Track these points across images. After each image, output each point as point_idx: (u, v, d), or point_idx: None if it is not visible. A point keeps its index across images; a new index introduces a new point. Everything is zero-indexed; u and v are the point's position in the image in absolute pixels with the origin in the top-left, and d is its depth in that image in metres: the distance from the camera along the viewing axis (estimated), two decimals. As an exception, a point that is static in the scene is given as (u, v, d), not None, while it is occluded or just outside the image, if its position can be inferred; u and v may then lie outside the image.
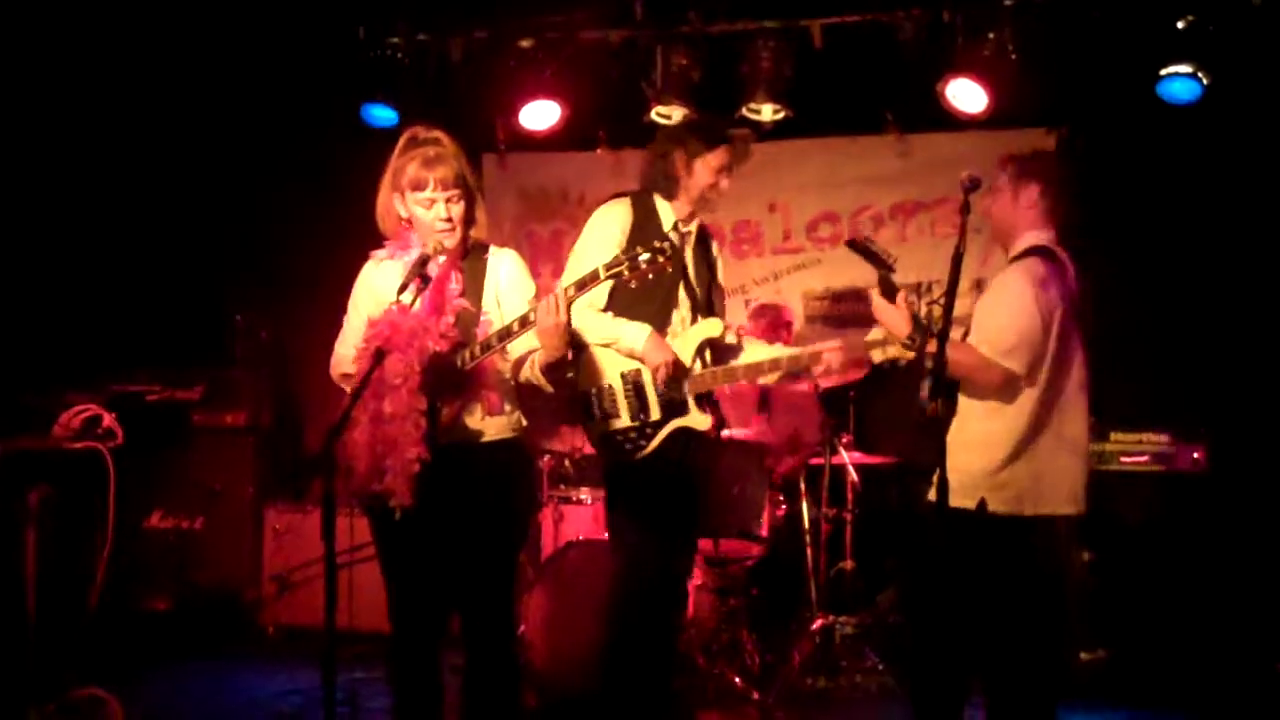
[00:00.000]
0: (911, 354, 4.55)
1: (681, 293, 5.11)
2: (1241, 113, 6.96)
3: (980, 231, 6.19)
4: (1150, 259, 7.26)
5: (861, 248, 4.87)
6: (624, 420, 4.85)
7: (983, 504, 4.45)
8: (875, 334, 4.73)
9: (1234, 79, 6.76)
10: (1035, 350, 4.49)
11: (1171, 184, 7.24)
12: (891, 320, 4.56)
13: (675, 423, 4.84)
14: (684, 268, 5.11)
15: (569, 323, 4.01)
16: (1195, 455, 6.59)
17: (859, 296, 8.06)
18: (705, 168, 5.25)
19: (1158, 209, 7.27)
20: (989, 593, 4.47)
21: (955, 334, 4.49)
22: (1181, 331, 7.16)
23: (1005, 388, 4.51)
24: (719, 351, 5.08)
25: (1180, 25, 6.65)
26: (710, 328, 5.01)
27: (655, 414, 4.84)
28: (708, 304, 5.23)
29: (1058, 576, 4.65)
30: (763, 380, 5.14)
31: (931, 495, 4.31)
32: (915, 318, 4.51)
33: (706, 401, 4.92)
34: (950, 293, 4.11)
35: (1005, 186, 4.75)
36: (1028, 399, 4.52)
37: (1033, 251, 4.65)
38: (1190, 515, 6.51)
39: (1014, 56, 6.82)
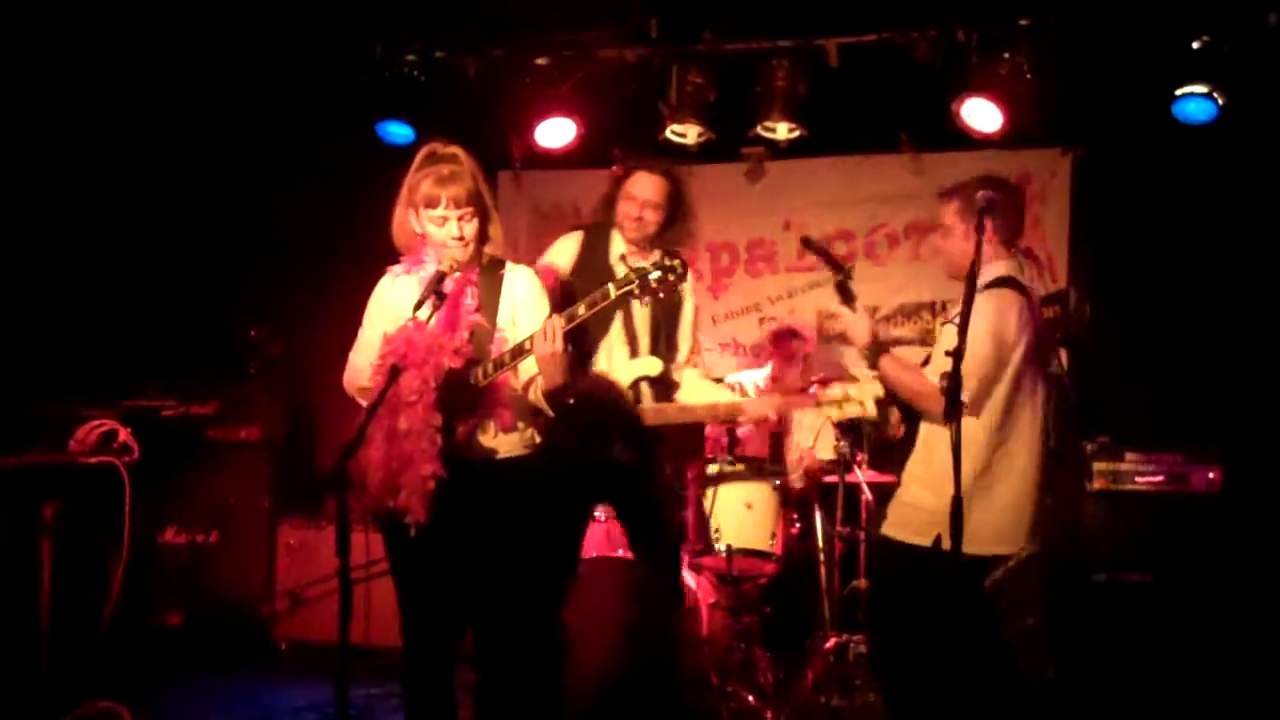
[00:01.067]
0: (870, 414, 4.55)
1: (617, 325, 5.12)
2: (1257, 133, 6.95)
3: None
4: (1165, 278, 7.25)
5: (817, 248, 4.92)
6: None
7: (937, 541, 4.37)
8: (834, 391, 4.72)
9: (1250, 99, 6.76)
10: (985, 383, 4.44)
11: (1187, 204, 7.23)
12: (854, 327, 4.64)
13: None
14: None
15: (565, 350, 4.03)
16: (1210, 475, 6.57)
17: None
18: (625, 196, 5.18)
19: (1173, 229, 7.26)
20: (938, 627, 4.42)
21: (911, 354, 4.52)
22: (1196, 351, 7.14)
23: (933, 410, 4.43)
24: (662, 388, 5.11)
25: (1196, 45, 6.65)
26: (646, 366, 5.04)
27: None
28: (655, 340, 5.24)
29: (1010, 613, 4.62)
30: (703, 420, 5.13)
31: (886, 529, 4.35)
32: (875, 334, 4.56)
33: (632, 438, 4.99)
34: (965, 312, 4.10)
35: (955, 224, 4.72)
36: (982, 435, 4.47)
37: (1000, 283, 4.59)
38: (1203, 536, 6.49)
39: (1029, 76, 6.83)
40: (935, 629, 4.40)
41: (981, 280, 4.49)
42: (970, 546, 4.22)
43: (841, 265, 4.87)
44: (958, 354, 4.00)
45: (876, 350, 4.61)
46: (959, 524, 3.88)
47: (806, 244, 4.98)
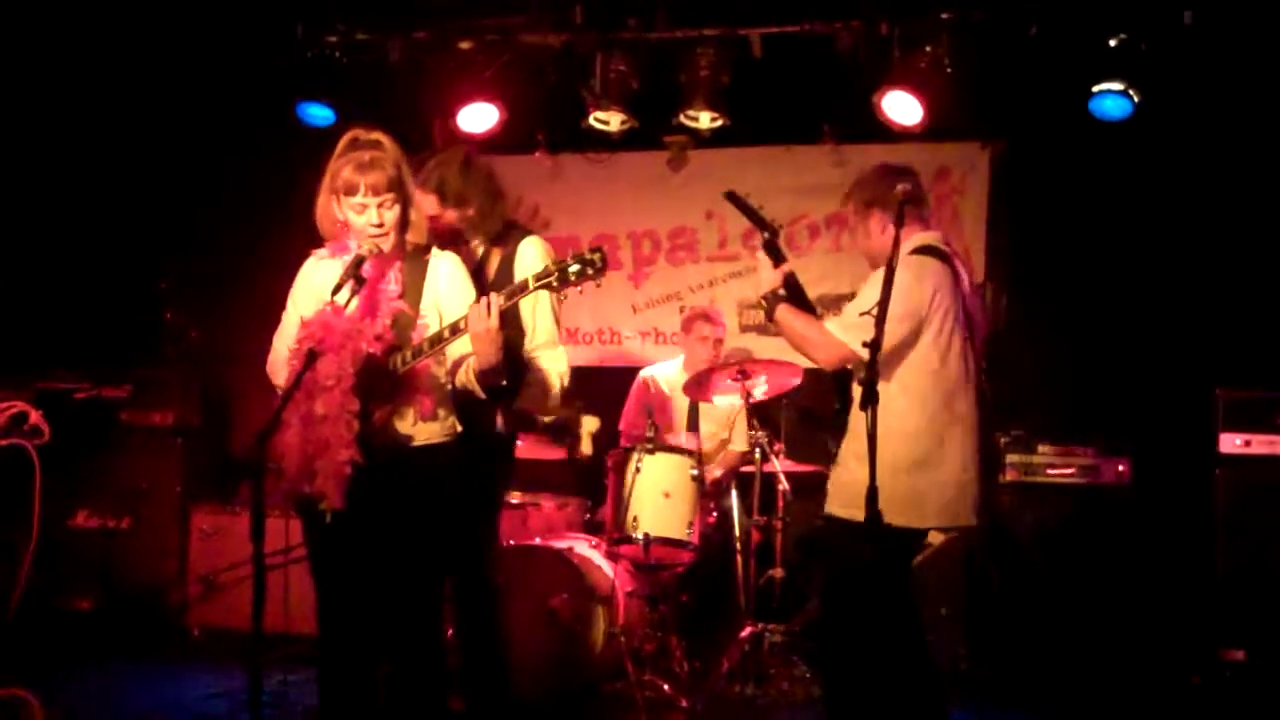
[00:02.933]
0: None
1: None
2: (1171, 130, 7.06)
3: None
4: (1080, 273, 7.34)
5: (742, 204, 4.94)
6: None
7: (878, 516, 4.21)
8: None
9: (1165, 97, 6.86)
10: (889, 337, 4.28)
11: (1102, 199, 7.33)
12: (765, 273, 4.70)
13: None
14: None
15: (500, 328, 4.01)
16: (1120, 468, 6.68)
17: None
18: None
19: (1089, 224, 7.35)
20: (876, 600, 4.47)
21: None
22: (1109, 345, 7.24)
23: (836, 361, 4.55)
24: None
25: (1112, 43, 6.74)
26: None
27: None
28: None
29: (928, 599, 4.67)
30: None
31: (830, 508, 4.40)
32: (787, 287, 4.65)
33: None
34: (884, 303, 4.13)
35: (855, 224, 4.85)
36: (918, 407, 4.51)
37: (917, 250, 4.61)
38: (1113, 528, 6.60)
39: (949, 70, 6.89)
40: (873, 606, 4.44)
41: (908, 248, 4.55)
42: (917, 520, 4.44)
43: (768, 224, 4.88)
44: (874, 345, 4.03)
45: (774, 300, 4.65)
46: (874, 505, 3.91)
47: (731, 198, 4.97)
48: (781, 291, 4.69)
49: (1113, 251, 7.31)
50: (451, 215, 4.91)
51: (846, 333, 4.44)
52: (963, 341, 4.59)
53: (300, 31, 7.45)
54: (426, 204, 4.70)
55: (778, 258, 4.76)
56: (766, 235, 4.84)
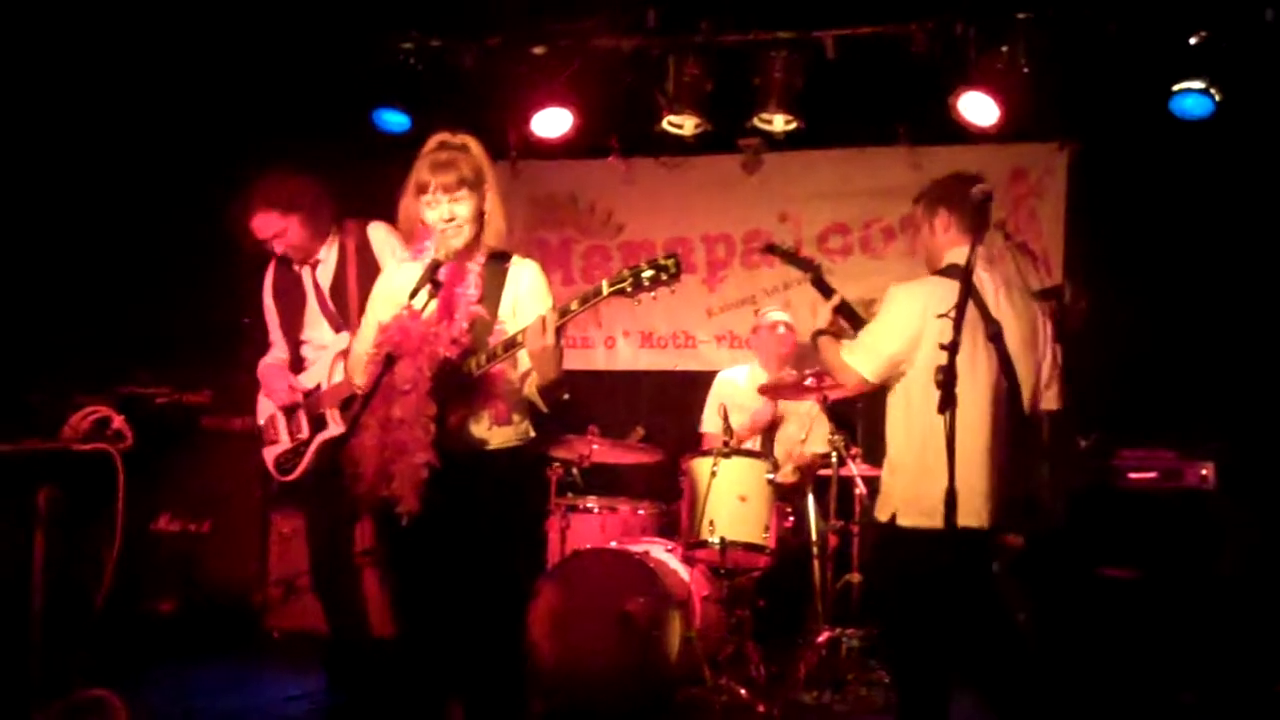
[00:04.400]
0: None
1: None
2: (1253, 129, 6.95)
3: (990, 245, 6.23)
4: (1161, 274, 7.25)
5: (781, 253, 5.05)
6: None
7: (894, 518, 4.58)
8: None
9: (1246, 95, 6.76)
10: (886, 360, 4.63)
11: (1182, 199, 7.23)
12: (820, 310, 5.02)
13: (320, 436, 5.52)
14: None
15: (557, 345, 4.02)
16: (1203, 472, 6.57)
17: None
18: None
19: (1168, 224, 7.26)
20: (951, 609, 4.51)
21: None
22: (1191, 347, 7.15)
23: (853, 385, 4.79)
24: None
25: (1193, 41, 6.65)
26: None
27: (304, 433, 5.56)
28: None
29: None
30: None
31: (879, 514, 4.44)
32: (840, 313, 4.97)
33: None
34: (960, 306, 4.12)
35: (921, 221, 4.90)
36: (916, 417, 4.58)
37: (943, 271, 4.73)
38: (1196, 532, 6.50)
39: (1026, 70, 6.82)
40: (948, 611, 4.50)
41: (941, 266, 4.77)
42: (938, 520, 4.26)
43: (809, 264, 5.03)
44: (953, 347, 4.04)
45: (815, 335, 4.96)
46: (953, 505, 4.00)
47: (770, 250, 5.13)
48: (825, 326, 4.94)
49: (1193, 252, 7.21)
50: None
51: (852, 356, 4.71)
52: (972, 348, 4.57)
53: (376, 39, 7.51)
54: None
55: (826, 291, 4.93)
56: (810, 275, 4.98)
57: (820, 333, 4.96)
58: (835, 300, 4.97)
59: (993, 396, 4.62)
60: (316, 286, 5.73)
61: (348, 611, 5.64)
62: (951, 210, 4.80)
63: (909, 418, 4.63)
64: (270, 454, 5.82)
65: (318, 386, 5.63)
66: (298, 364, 5.82)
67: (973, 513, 4.45)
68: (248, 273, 7.91)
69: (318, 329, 5.72)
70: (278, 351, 5.91)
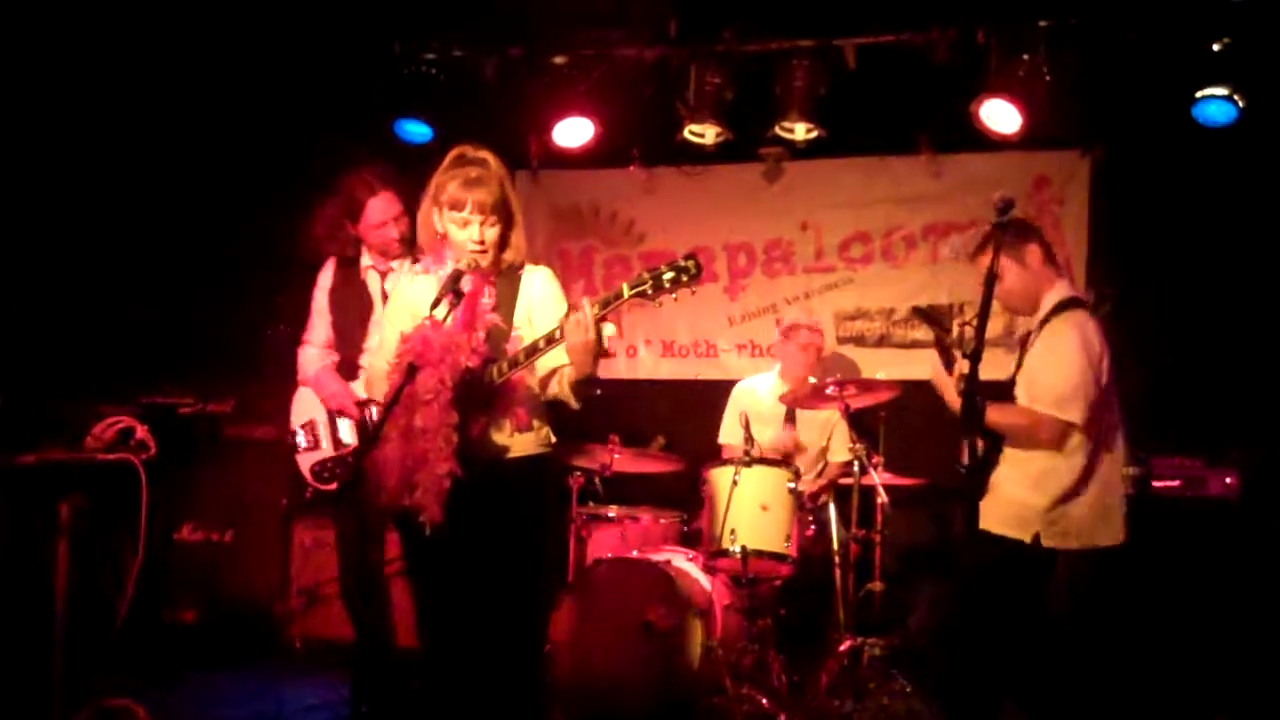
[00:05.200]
0: None
1: None
2: (1277, 135, 6.91)
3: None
4: (1183, 281, 7.22)
5: (924, 314, 5.07)
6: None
7: (1037, 538, 4.70)
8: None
9: (1270, 102, 6.73)
10: (1090, 400, 4.70)
11: (1206, 207, 7.20)
12: (946, 386, 4.93)
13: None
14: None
15: (598, 339, 4.01)
16: (1228, 480, 6.54)
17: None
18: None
19: (1192, 231, 7.23)
20: (1031, 619, 4.59)
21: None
22: (1215, 355, 7.11)
23: (1063, 439, 4.74)
24: None
25: (1216, 47, 6.62)
26: None
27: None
28: None
29: (1085, 602, 4.81)
30: None
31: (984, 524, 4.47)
32: (967, 395, 4.60)
33: None
34: (983, 314, 4.13)
35: (1009, 262, 4.85)
36: (1082, 443, 4.74)
37: (1071, 304, 4.85)
38: (1219, 541, 6.46)
39: (1048, 77, 6.81)
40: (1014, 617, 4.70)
41: (1051, 301, 4.88)
42: (1074, 541, 4.73)
43: (943, 323, 5.05)
44: (975, 355, 4.06)
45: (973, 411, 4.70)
46: (974, 510, 4.22)
47: (917, 312, 5.20)
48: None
49: (1217, 259, 7.18)
50: None
51: (1065, 411, 4.71)
52: (1113, 381, 4.91)
53: (397, 50, 7.53)
54: None
55: (947, 357, 5.06)
56: (938, 332, 5.09)
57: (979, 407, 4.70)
58: (961, 368, 4.89)
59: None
60: (385, 295, 5.60)
61: (375, 621, 5.62)
62: (1040, 240, 4.98)
63: (1096, 445, 4.80)
64: (306, 460, 5.75)
65: (371, 400, 5.43)
66: (350, 372, 5.69)
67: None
68: (291, 279, 7.97)
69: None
70: (326, 355, 5.81)
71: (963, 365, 4.83)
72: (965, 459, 4.39)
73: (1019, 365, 4.94)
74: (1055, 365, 4.75)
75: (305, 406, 5.82)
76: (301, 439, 5.77)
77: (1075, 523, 4.74)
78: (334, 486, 5.61)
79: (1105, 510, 4.80)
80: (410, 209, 5.15)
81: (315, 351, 5.82)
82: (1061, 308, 4.84)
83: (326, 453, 5.69)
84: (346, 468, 5.56)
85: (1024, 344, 5.01)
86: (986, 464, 4.75)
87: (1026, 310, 4.99)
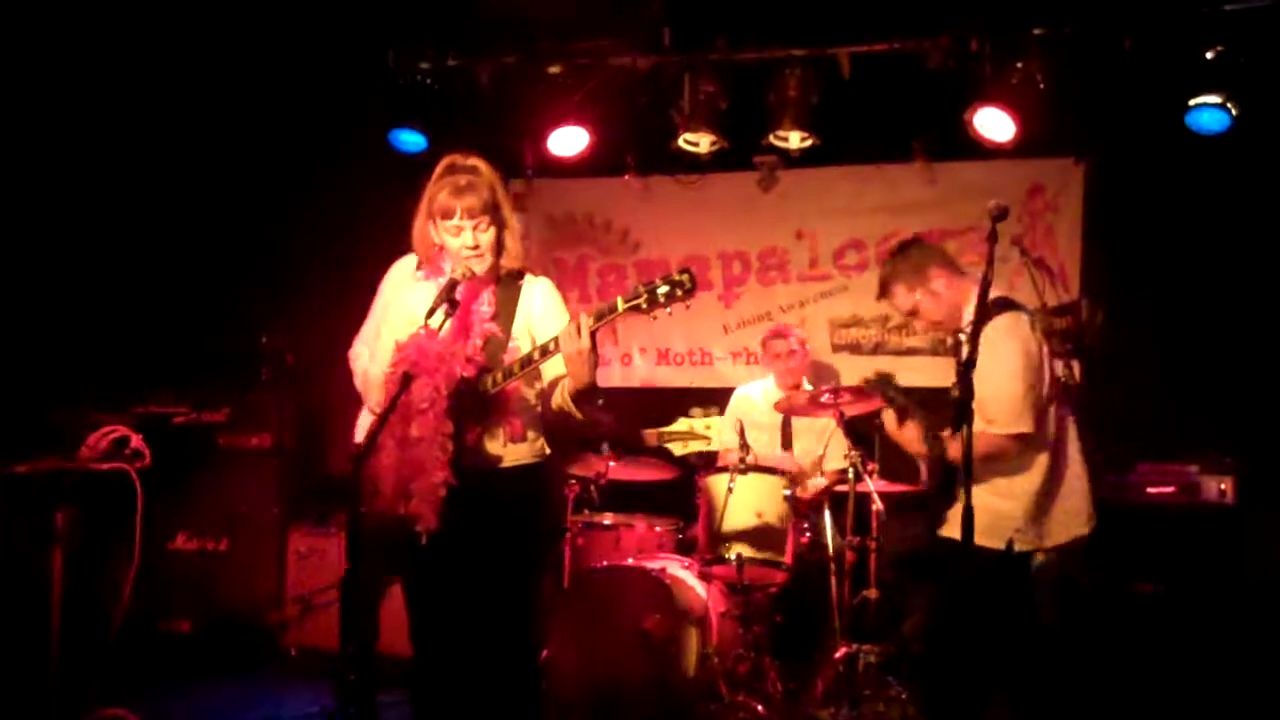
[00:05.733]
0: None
1: None
2: (1270, 143, 6.93)
3: (1007, 261, 6.28)
4: (1178, 289, 7.23)
5: (875, 386, 5.11)
6: None
7: (1010, 544, 4.70)
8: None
9: (1263, 110, 6.75)
10: (1038, 405, 4.72)
11: (1199, 214, 7.21)
12: (906, 439, 4.93)
13: None
14: None
15: (593, 349, 4.02)
16: (1222, 487, 6.55)
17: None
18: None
19: (1186, 239, 7.24)
20: (1013, 623, 4.57)
21: None
22: (1209, 361, 7.12)
23: (1015, 453, 4.75)
24: None
25: (1209, 56, 6.63)
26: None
27: None
28: None
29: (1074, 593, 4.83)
30: None
31: (947, 531, 4.45)
32: (927, 434, 4.79)
33: None
34: (978, 321, 4.14)
35: (920, 297, 4.99)
36: (1040, 444, 4.78)
37: (1003, 305, 4.83)
38: (1214, 548, 6.47)
39: (1042, 85, 6.82)
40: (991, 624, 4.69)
41: (967, 317, 4.81)
42: (1050, 539, 4.75)
43: (897, 399, 5.04)
44: (969, 362, 4.06)
45: (933, 445, 4.81)
46: (969, 521, 4.05)
47: (869, 384, 5.19)
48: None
49: (1211, 267, 7.18)
50: None
51: (1017, 424, 4.71)
52: (1053, 376, 4.90)
53: (392, 59, 7.54)
54: None
55: (904, 417, 4.97)
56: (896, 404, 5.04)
57: (938, 448, 4.82)
58: (911, 424, 4.92)
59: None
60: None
61: (364, 622, 5.57)
62: (942, 266, 5.02)
63: (1054, 443, 4.83)
64: None
65: None
66: None
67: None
68: (263, 292, 7.97)
69: None
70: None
71: (914, 423, 4.89)
72: (928, 478, 4.47)
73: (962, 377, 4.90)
74: (1002, 380, 4.69)
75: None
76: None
77: (1050, 523, 4.77)
78: None
79: (1074, 502, 4.81)
80: None
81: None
82: (994, 311, 4.75)
83: None
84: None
85: (957, 351, 5.00)
86: (950, 481, 4.76)
87: (955, 327, 4.98)
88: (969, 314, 4.81)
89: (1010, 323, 4.78)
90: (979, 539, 4.60)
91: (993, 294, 4.74)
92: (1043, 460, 4.78)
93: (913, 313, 4.97)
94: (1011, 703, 4.78)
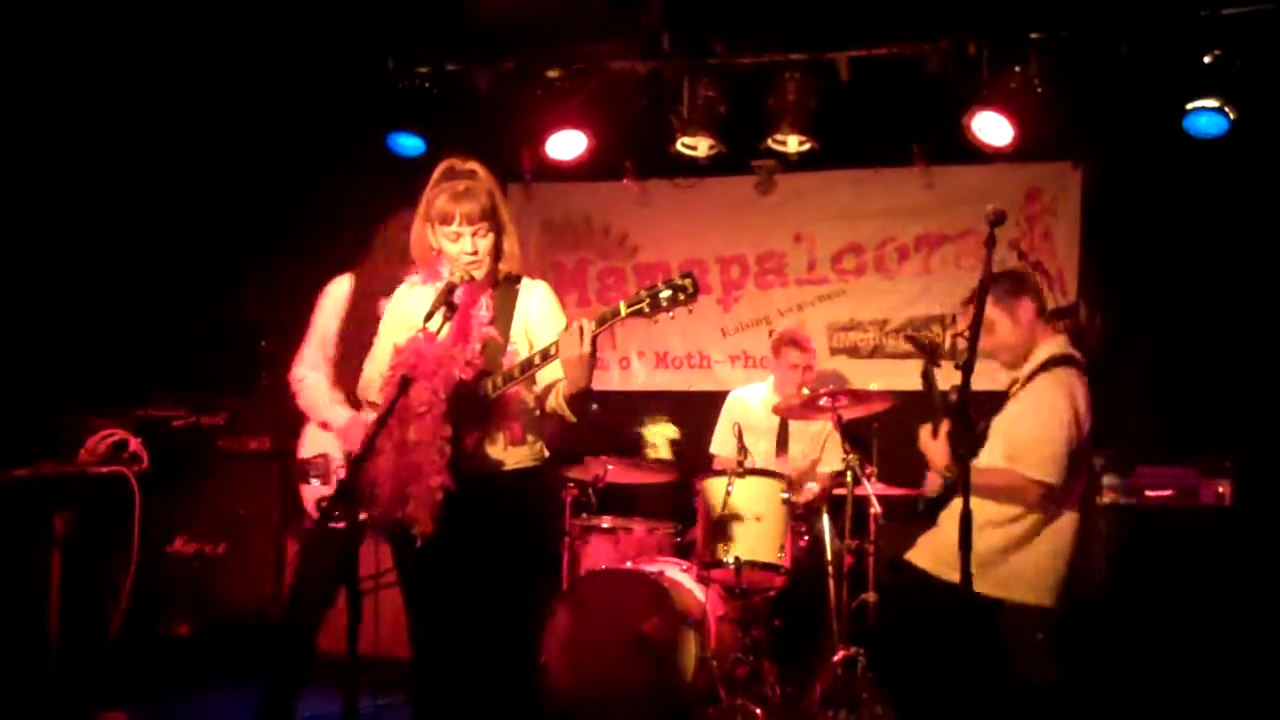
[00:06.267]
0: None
1: None
2: (1267, 148, 6.94)
3: (1005, 265, 6.28)
4: (1175, 292, 7.24)
5: (916, 342, 5.03)
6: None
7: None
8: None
9: (1261, 114, 6.75)
10: (1073, 465, 4.66)
11: (1197, 218, 7.22)
12: (934, 453, 4.73)
13: None
14: None
15: (593, 354, 4.02)
16: (1220, 489, 6.55)
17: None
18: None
19: (1183, 242, 7.25)
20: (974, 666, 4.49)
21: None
22: (1206, 364, 7.13)
23: (1031, 501, 4.68)
24: None
25: (1207, 60, 6.64)
26: None
27: None
28: None
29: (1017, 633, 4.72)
30: None
31: (914, 556, 4.44)
32: (955, 451, 4.57)
33: None
34: (975, 325, 4.14)
35: (998, 314, 4.83)
36: (1059, 507, 4.72)
37: (1063, 361, 4.80)
38: (1212, 551, 6.47)
39: (1040, 89, 6.82)
40: (945, 649, 4.49)
41: (1042, 356, 4.83)
42: (1000, 591, 4.61)
43: (930, 348, 4.97)
44: (968, 366, 4.05)
45: (957, 466, 4.61)
46: (967, 555, 3.94)
47: (911, 340, 5.12)
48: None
49: (1209, 270, 7.19)
50: None
51: (1048, 474, 4.63)
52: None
53: (391, 64, 7.54)
54: None
55: (931, 387, 4.86)
56: (926, 361, 4.97)
57: (950, 472, 4.68)
58: (941, 432, 4.69)
59: None
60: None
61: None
62: (1035, 301, 4.92)
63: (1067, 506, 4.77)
64: (313, 493, 5.44)
65: None
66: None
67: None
68: (263, 295, 7.97)
69: None
70: (334, 393, 5.44)
71: (942, 434, 4.70)
72: (930, 491, 4.43)
73: (997, 411, 4.89)
74: (1041, 425, 4.69)
75: (318, 440, 5.49)
76: (311, 471, 5.47)
77: (1010, 573, 4.66)
78: (342, 525, 5.39)
79: (1044, 569, 4.72)
80: None
81: (323, 382, 5.47)
82: (1054, 363, 4.80)
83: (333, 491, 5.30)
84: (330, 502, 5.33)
85: (1007, 393, 4.97)
86: (944, 501, 4.73)
87: (1014, 363, 4.94)
88: (1034, 361, 4.85)
89: (1066, 376, 4.77)
90: (936, 568, 4.62)
91: (1061, 351, 4.82)
92: (1035, 516, 4.71)
93: (989, 326, 4.83)
94: None
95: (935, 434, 4.72)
